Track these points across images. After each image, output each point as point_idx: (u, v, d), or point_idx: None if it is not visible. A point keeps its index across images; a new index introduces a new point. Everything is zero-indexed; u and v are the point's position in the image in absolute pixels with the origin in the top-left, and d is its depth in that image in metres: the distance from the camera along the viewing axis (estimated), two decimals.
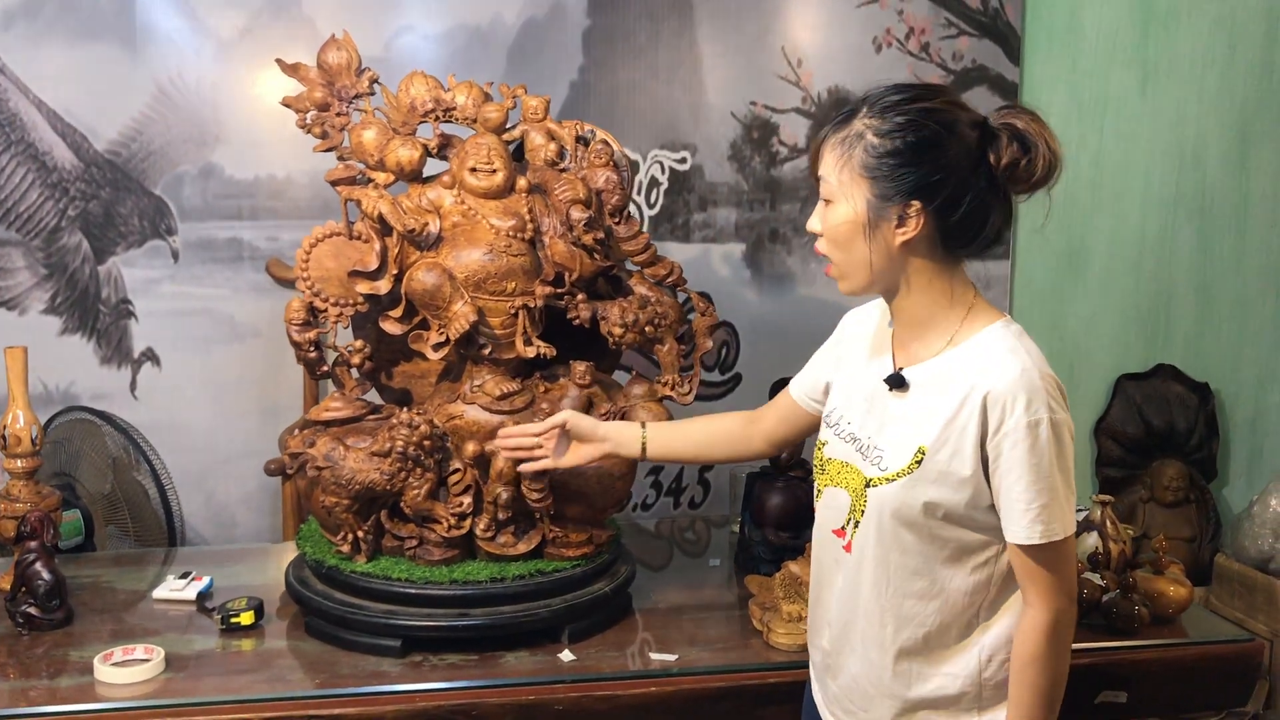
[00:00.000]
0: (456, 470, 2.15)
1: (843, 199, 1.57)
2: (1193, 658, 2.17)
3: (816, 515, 1.79)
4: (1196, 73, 3.39)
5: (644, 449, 2.03)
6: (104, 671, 1.97)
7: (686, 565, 2.64)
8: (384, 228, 2.13)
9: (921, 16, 3.29)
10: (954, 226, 1.56)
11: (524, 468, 2.06)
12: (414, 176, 2.17)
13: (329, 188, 3.06)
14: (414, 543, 2.15)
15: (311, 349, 2.19)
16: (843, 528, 1.70)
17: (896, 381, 1.65)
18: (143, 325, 3.08)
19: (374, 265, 2.13)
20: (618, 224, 2.21)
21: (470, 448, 2.12)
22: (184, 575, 2.35)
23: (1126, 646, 2.15)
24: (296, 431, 2.18)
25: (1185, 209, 3.43)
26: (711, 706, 2.02)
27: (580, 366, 2.19)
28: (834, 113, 1.62)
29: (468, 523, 2.14)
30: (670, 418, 2.20)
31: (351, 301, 2.19)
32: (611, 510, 2.24)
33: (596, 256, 2.16)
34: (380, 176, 2.16)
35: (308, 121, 2.23)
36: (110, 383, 3.06)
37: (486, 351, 2.16)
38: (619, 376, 2.37)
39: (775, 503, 2.41)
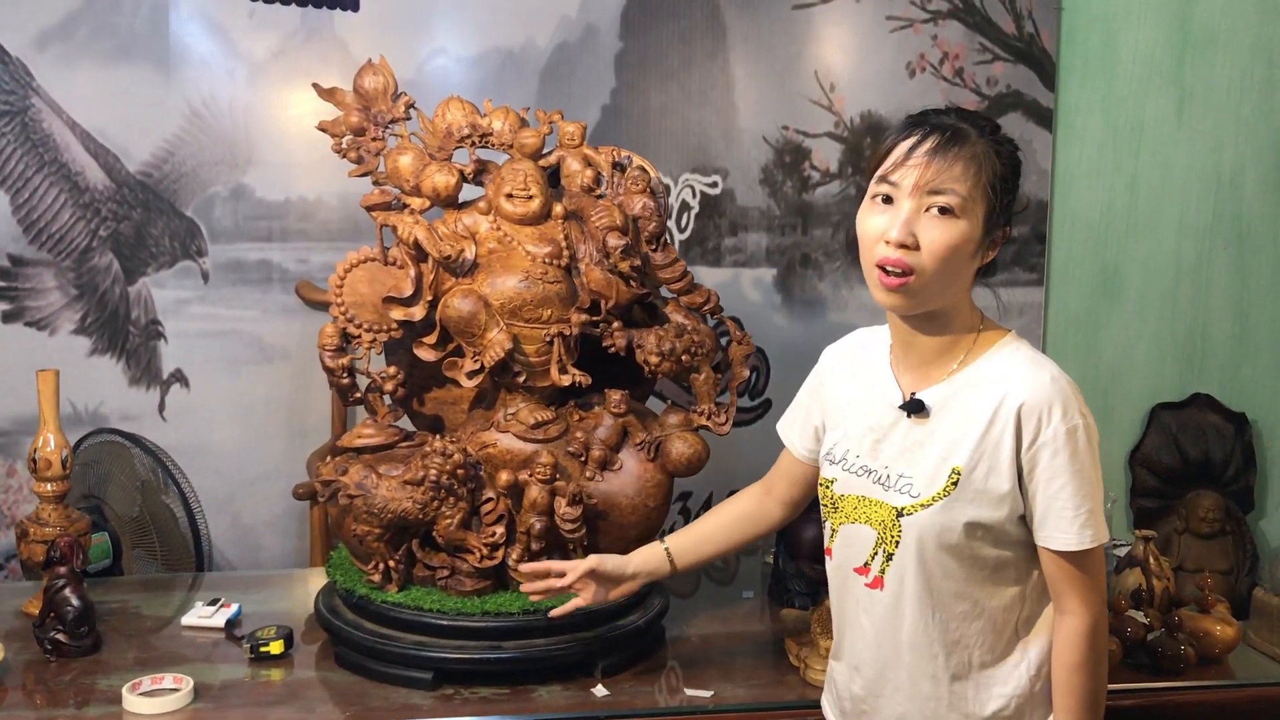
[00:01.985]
0: (489, 499, 2.11)
1: (969, 216, 1.52)
2: (1243, 701, 2.11)
3: (832, 557, 1.74)
4: (1234, 98, 3.34)
5: (672, 565, 1.95)
6: (132, 701, 1.94)
7: (716, 595, 2.59)
8: (419, 254, 2.10)
9: (955, 42, 3.25)
10: (999, 254, 1.61)
11: (555, 613, 1.98)
12: (450, 202, 2.14)
13: (359, 210, 3.06)
14: (445, 573, 2.12)
15: (344, 375, 2.16)
16: (866, 564, 1.66)
17: (915, 407, 1.62)
18: (172, 346, 3.06)
19: (409, 291, 2.10)
20: (654, 251, 2.17)
21: (504, 477, 2.09)
22: (213, 602, 2.32)
23: (1173, 688, 2.09)
24: (329, 459, 2.15)
25: (1222, 235, 3.38)
26: None
27: (615, 395, 2.16)
28: (930, 122, 1.56)
29: (500, 553, 2.10)
30: (706, 448, 2.16)
31: (385, 327, 2.16)
32: (646, 540, 2.18)
33: (633, 284, 2.12)
34: (416, 202, 2.14)
35: (343, 146, 2.21)
36: (139, 404, 3.04)
37: (521, 379, 2.12)
38: (651, 404, 2.34)
39: (810, 535, 2.36)
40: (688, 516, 3.25)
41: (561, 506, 2.07)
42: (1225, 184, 3.37)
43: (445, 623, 2.06)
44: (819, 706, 2.00)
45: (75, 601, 2.13)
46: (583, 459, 2.13)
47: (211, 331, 3.09)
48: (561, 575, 1.90)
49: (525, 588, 1.95)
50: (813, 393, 1.86)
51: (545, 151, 2.22)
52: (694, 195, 3.21)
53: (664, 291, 2.26)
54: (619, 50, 3.14)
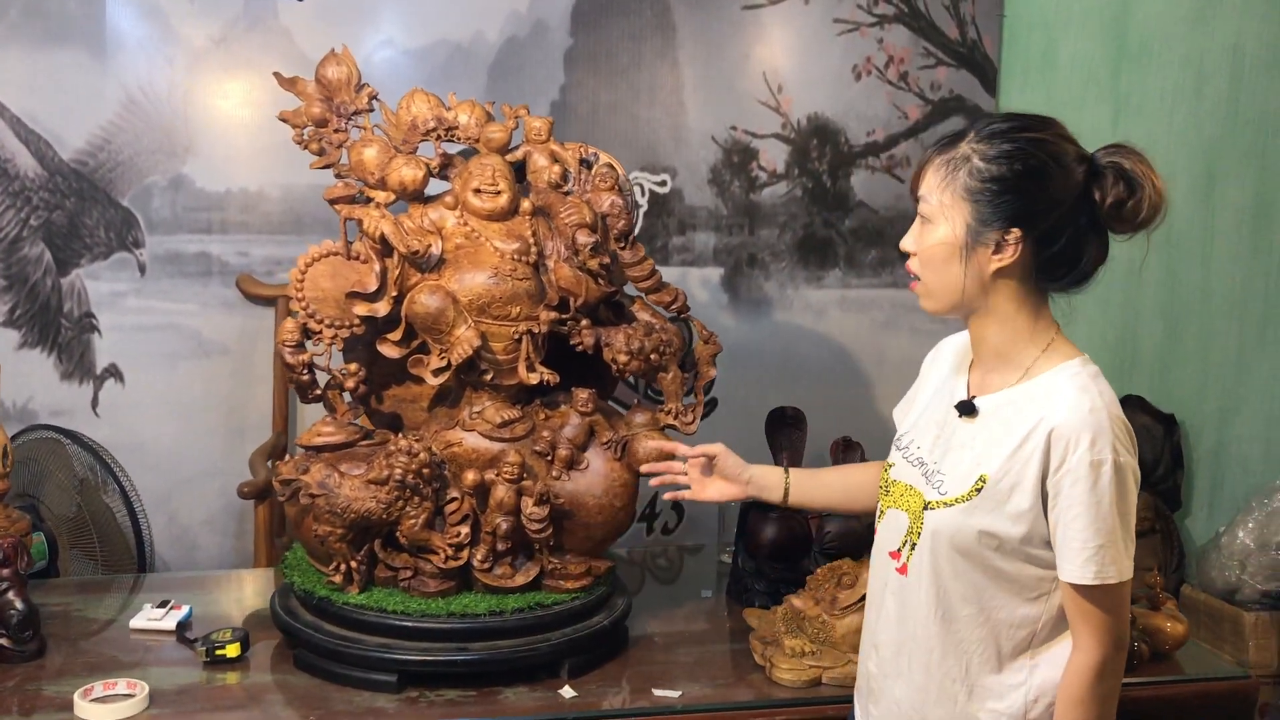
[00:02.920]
0: (454, 499, 2.07)
1: (942, 220, 1.56)
2: (1191, 695, 2.15)
3: (876, 537, 1.77)
4: (1166, 108, 3.42)
5: (786, 494, 1.99)
6: (84, 708, 1.86)
7: (672, 594, 2.58)
8: (385, 248, 2.05)
9: (900, 46, 3.28)
10: (1049, 259, 1.56)
11: (668, 495, 2.06)
12: (416, 196, 2.10)
13: (302, 202, 3.02)
14: (408, 574, 2.07)
15: (305, 371, 2.10)
16: (898, 550, 1.68)
17: (967, 408, 1.64)
18: (106, 340, 2.97)
19: (373, 286, 2.05)
20: (623, 249, 2.16)
21: (470, 476, 2.05)
22: (162, 604, 2.24)
23: (1128, 684, 2.12)
24: (286, 457, 2.09)
25: (1154, 241, 3.43)
26: None
27: (583, 394, 2.13)
28: (943, 136, 1.61)
29: (465, 553, 2.06)
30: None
31: (347, 323, 2.11)
32: (611, 541, 2.17)
33: (602, 282, 2.10)
34: (380, 195, 2.09)
35: (304, 137, 2.15)
36: (71, 399, 2.95)
37: (488, 377, 2.09)
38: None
39: (770, 535, 2.36)
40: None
41: (528, 506, 2.04)
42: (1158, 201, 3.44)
43: (410, 624, 2.02)
44: (787, 705, 2.02)
45: (20, 605, 2.04)
46: (549, 458, 2.11)
47: (148, 325, 3.01)
48: (684, 460, 2.02)
49: (645, 469, 2.06)
50: (916, 383, 1.88)
51: (511, 146, 2.19)
52: (643, 194, 3.19)
53: (629, 290, 2.24)
54: (569, 46, 3.12)
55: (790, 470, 2.01)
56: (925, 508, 1.63)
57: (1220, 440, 3.56)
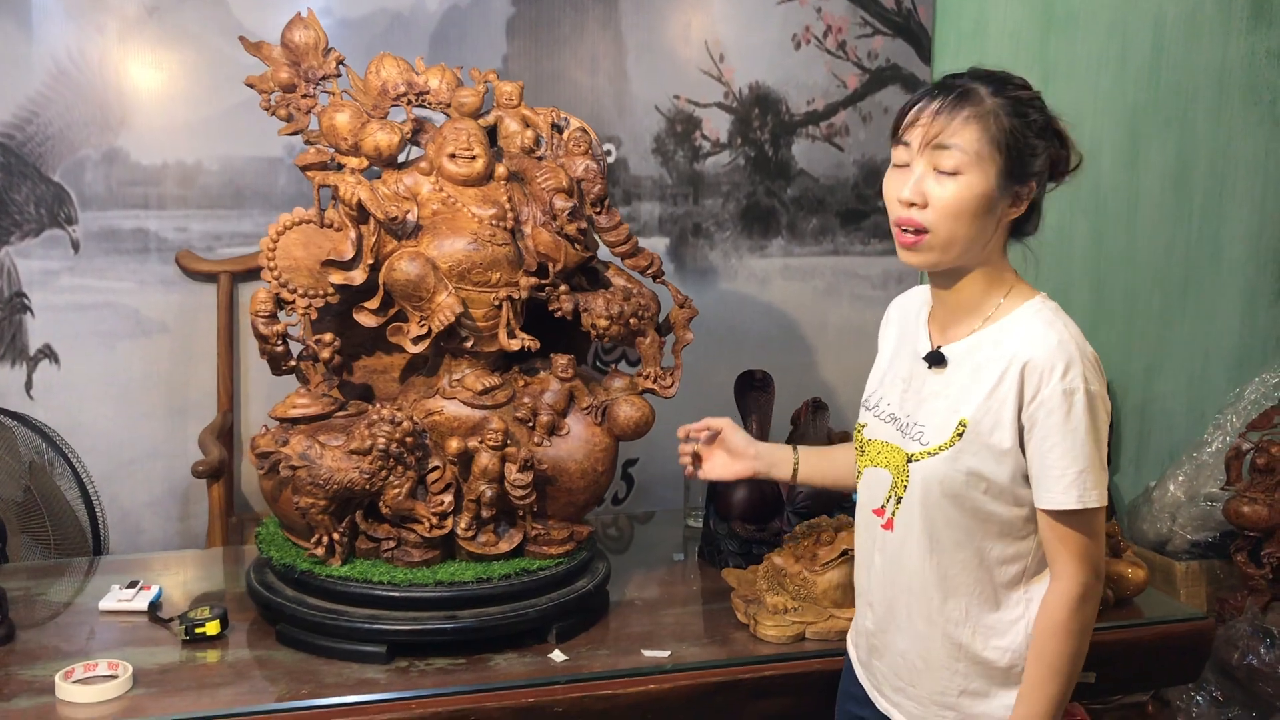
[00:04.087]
0: (436, 468, 2.06)
1: (977, 171, 1.56)
2: (1154, 637, 2.24)
3: (858, 496, 1.80)
4: (1091, 75, 3.52)
5: (795, 472, 2.02)
6: (67, 690, 1.82)
7: (644, 561, 2.59)
8: (360, 215, 2.02)
9: (839, 15, 3.32)
10: (1031, 210, 1.63)
11: (689, 473, 2.07)
12: (391, 162, 2.08)
13: (241, 175, 2.97)
14: (391, 544, 2.06)
15: (278, 343, 2.07)
16: (882, 506, 1.72)
17: (935, 359, 1.68)
18: (40, 320, 2.88)
19: (349, 254, 2.03)
20: (599, 214, 2.16)
21: (454, 444, 2.04)
22: (131, 584, 2.19)
23: (1096, 628, 2.20)
24: (264, 429, 2.06)
25: (1081, 206, 3.57)
26: (708, 701, 1.99)
27: (562, 359, 2.13)
28: (943, 83, 1.60)
29: (449, 522, 2.06)
30: (653, 411, 2.16)
31: (322, 292, 2.08)
32: (593, 505, 2.18)
33: (579, 247, 2.10)
34: (353, 161, 2.06)
35: (272, 103, 2.11)
36: (4, 382, 2.85)
37: (468, 344, 2.08)
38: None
39: (740, 496, 2.39)
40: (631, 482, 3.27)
41: (512, 473, 2.04)
42: (1085, 157, 3.54)
43: (397, 594, 2.00)
44: (773, 661, 2.05)
45: None
46: (530, 425, 2.11)
47: (83, 304, 2.92)
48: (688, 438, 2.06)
49: (684, 448, 2.07)
50: (879, 349, 1.89)
51: (483, 111, 2.17)
52: None
53: (603, 256, 2.25)
54: (511, 15, 3.10)
55: (799, 449, 2.04)
56: (909, 460, 1.66)
57: (1145, 398, 3.70)
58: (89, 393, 2.93)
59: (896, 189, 1.61)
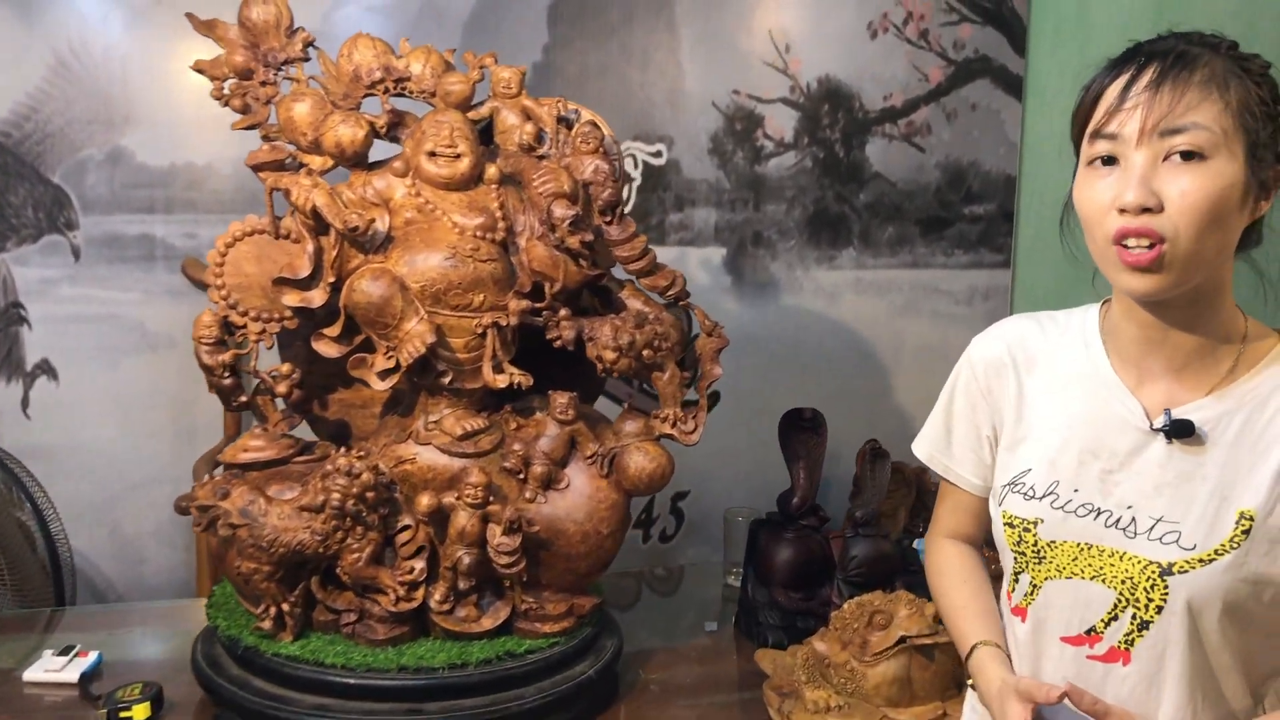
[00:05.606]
0: (406, 528, 1.64)
1: (1225, 154, 1.12)
2: None
3: (1026, 619, 1.30)
4: None
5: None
6: None
7: (672, 628, 2.12)
8: (319, 225, 1.61)
9: (921, 1, 2.83)
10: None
11: None
12: (357, 161, 1.66)
13: (256, 179, 2.57)
14: (352, 617, 1.64)
15: (226, 374, 1.67)
16: (1094, 631, 1.24)
17: (1182, 430, 1.19)
18: (37, 333, 2.53)
19: (305, 271, 1.62)
20: (609, 223, 1.71)
21: (425, 500, 1.62)
22: (65, 650, 1.81)
23: None
24: (206, 477, 1.66)
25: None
26: None
27: (561, 398, 1.69)
28: (1143, 49, 1.19)
29: (420, 593, 1.63)
30: (671, 461, 1.71)
31: (277, 316, 1.67)
32: (597, 574, 1.74)
33: (583, 263, 1.66)
34: (315, 160, 1.65)
35: (225, 91, 1.71)
36: None
37: (446, 380, 1.65)
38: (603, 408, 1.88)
39: (785, 557, 1.93)
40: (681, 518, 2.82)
41: (496, 536, 1.61)
42: None
43: (352, 681, 1.59)
44: None
45: None
46: (521, 476, 1.67)
47: (85, 316, 2.57)
48: None
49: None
50: (968, 400, 1.40)
51: (476, 102, 1.75)
52: (636, 166, 2.75)
53: (619, 273, 1.80)
54: (553, 1, 2.67)
55: (987, 640, 1.37)
56: (1165, 573, 1.18)
57: None
58: (89, 412, 2.58)
59: (1108, 194, 1.15)
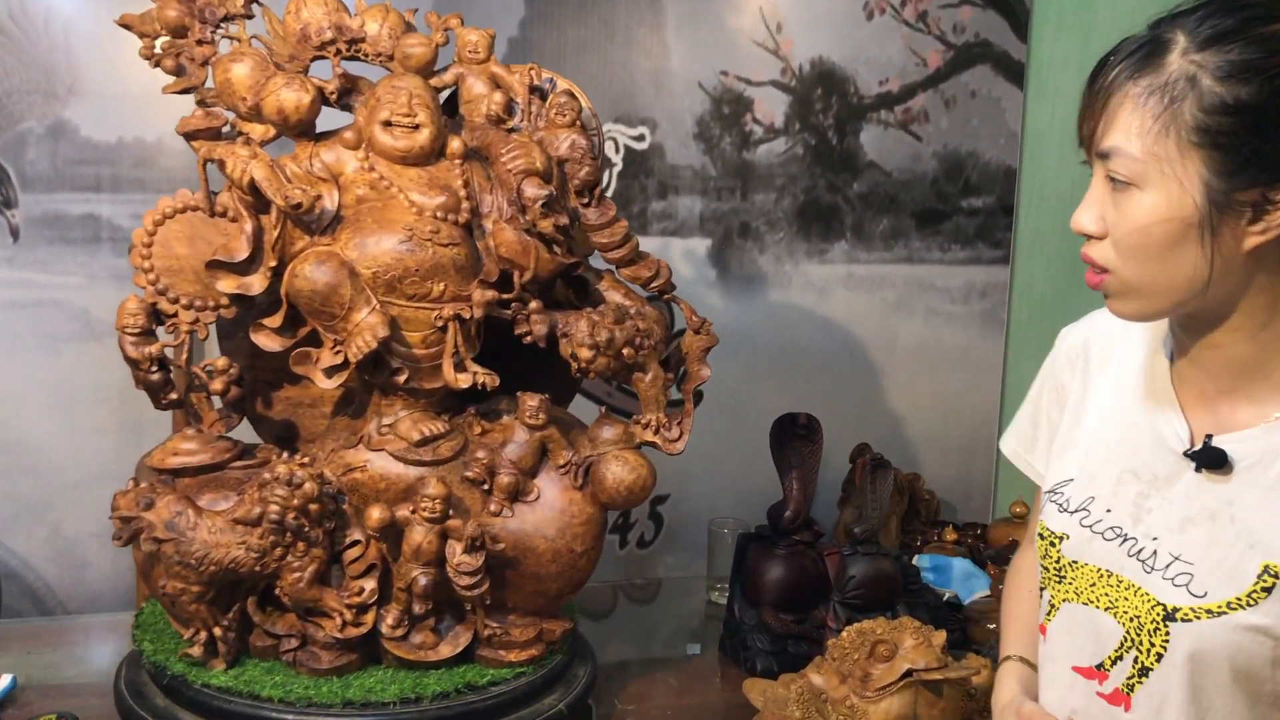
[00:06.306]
0: (355, 544, 1.43)
1: (1156, 183, 0.96)
2: None
3: (1047, 639, 1.15)
4: None
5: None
6: None
7: (652, 647, 1.93)
8: (259, 201, 1.40)
9: None
10: None
11: None
12: (303, 130, 1.45)
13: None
14: (294, 643, 1.44)
15: (154, 368, 1.45)
16: (1101, 667, 1.08)
17: (1212, 459, 1.02)
18: None
19: (243, 254, 1.41)
20: (587, 205, 1.51)
21: (376, 514, 1.41)
22: None
23: None
24: (129, 484, 1.45)
25: None
26: None
27: (531, 401, 1.49)
28: (1125, 45, 1.02)
29: (370, 617, 1.43)
30: (652, 471, 1.51)
31: (211, 303, 1.46)
32: (569, 595, 1.54)
33: (557, 250, 1.45)
34: (255, 129, 1.44)
35: (156, 50, 1.50)
36: None
37: (401, 379, 1.44)
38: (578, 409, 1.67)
39: (776, 576, 1.73)
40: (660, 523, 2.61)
41: (456, 554, 1.41)
42: None
43: (291, 717, 1.38)
44: None
45: None
46: (486, 487, 1.47)
47: (23, 301, 2.35)
48: None
49: None
50: (1047, 395, 1.27)
51: (439, 68, 1.54)
52: (617, 150, 2.55)
53: (597, 262, 1.60)
54: None
55: (1017, 653, 1.29)
56: (1169, 617, 1.00)
57: None
58: (28, 404, 2.37)
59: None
